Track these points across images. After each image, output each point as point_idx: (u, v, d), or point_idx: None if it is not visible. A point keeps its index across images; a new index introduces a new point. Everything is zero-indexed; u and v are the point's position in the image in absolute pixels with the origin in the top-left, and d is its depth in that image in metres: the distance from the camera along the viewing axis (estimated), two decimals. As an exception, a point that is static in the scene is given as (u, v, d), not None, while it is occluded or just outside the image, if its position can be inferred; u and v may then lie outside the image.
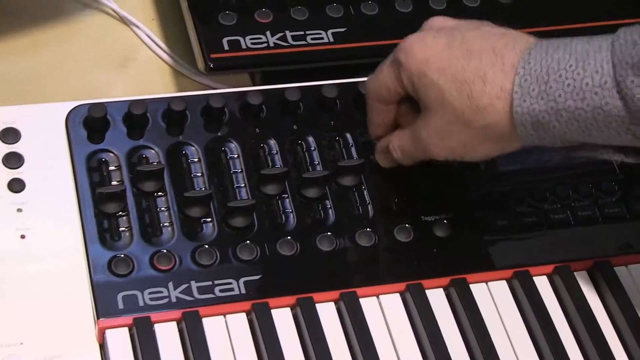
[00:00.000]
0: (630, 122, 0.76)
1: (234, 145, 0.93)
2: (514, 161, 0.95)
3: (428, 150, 0.86)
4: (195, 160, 0.92)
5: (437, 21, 0.87)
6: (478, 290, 0.90)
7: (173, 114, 0.93)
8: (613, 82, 0.75)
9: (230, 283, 0.87)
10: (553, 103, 0.78)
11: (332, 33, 1.02)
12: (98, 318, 0.84)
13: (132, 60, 1.07)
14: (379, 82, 0.87)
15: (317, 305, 0.87)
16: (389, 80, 0.86)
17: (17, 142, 0.90)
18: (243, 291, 0.87)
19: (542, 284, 0.91)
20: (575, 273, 0.91)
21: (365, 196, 0.92)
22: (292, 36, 1.01)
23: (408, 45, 0.85)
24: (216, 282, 0.87)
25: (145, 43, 1.08)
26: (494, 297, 0.90)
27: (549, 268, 0.91)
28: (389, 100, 0.87)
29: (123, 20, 1.09)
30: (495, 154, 0.84)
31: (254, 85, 1.03)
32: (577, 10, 1.08)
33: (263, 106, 0.95)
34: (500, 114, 0.80)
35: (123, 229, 0.88)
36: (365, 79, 0.91)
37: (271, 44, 1.00)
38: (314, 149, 0.94)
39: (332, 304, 0.88)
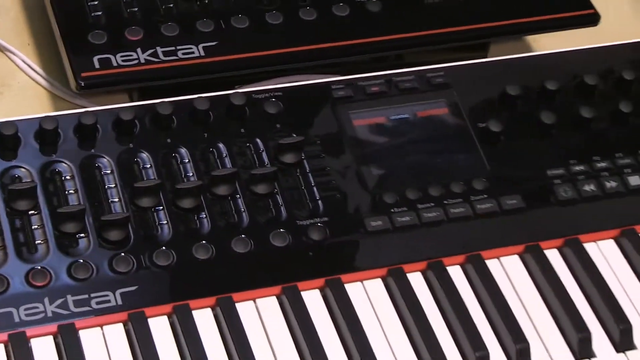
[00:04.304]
0: None
1: (106, 160, 0.98)
2: (385, 165, 1.01)
3: None
4: (69, 177, 0.96)
5: None
6: (353, 289, 0.94)
7: (45, 133, 0.97)
8: None
9: (107, 295, 0.91)
10: None
11: (204, 47, 1.07)
12: (-27, 335, 0.87)
13: (7, 86, 1.11)
14: None
15: (194, 312, 0.92)
16: None
17: None
18: (120, 302, 0.91)
19: (416, 280, 0.96)
20: (448, 268, 0.97)
21: (240, 204, 0.97)
22: (163, 52, 1.06)
23: None
24: (92, 295, 0.91)
25: (21, 68, 1.13)
26: (369, 296, 0.95)
27: (422, 265, 0.97)
28: None
29: (-2, 46, 1.14)
30: None
31: (132, 105, 1.08)
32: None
33: (136, 121, 0.99)
34: None
35: (-4, 248, 0.92)
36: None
37: (142, 61, 1.05)
38: (188, 161, 0.99)
39: (209, 309, 0.92)
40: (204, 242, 0.95)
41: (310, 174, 1.00)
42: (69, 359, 0.88)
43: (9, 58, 1.13)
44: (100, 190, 0.96)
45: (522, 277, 0.98)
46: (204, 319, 0.92)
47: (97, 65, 1.04)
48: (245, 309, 0.93)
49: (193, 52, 1.06)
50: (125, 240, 0.94)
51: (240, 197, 0.98)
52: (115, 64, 1.04)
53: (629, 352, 0.95)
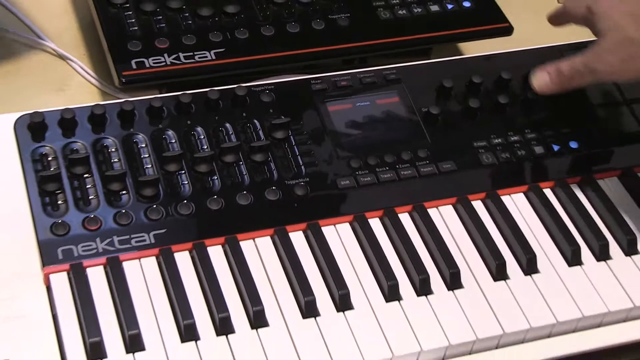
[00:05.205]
0: None
1: (142, 137, 1.04)
2: (352, 139, 1.06)
3: (596, 71, 1.01)
4: (114, 150, 1.03)
5: None
6: (328, 231, 1.01)
7: (96, 117, 1.04)
8: None
9: (143, 236, 0.97)
10: None
11: (214, 52, 1.12)
12: (44, 266, 0.94)
13: (68, 85, 1.16)
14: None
15: (209, 248, 0.98)
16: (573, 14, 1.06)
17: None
18: (153, 241, 0.97)
19: (375, 224, 1.02)
20: (399, 215, 1.03)
21: (243, 169, 1.03)
22: (184, 56, 1.11)
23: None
24: (132, 236, 0.97)
25: (78, 72, 1.18)
26: (340, 236, 1.01)
27: (380, 213, 1.03)
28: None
29: (60, 56, 1.18)
30: None
31: (161, 96, 1.12)
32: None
33: (164, 108, 1.05)
34: None
35: (60, 202, 0.99)
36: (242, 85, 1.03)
37: (168, 63, 1.10)
38: (203, 137, 1.05)
39: (220, 247, 0.99)
40: (215, 197, 1.01)
41: (295, 147, 1.06)
42: (115, 283, 0.94)
43: (70, 65, 1.18)
44: (137, 159, 1.03)
45: (455, 221, 1.05)
46: (216, 254, 0.98)
47: (134, 67, 1.09)
48: (247, 246, 0.99)
49: (207, 57, 1.12)
50: (156, 195, 1.00)
51: (242, 164, 1.04)
52: (148, 65, 1.10)
53: (534, 275, 1.02)
